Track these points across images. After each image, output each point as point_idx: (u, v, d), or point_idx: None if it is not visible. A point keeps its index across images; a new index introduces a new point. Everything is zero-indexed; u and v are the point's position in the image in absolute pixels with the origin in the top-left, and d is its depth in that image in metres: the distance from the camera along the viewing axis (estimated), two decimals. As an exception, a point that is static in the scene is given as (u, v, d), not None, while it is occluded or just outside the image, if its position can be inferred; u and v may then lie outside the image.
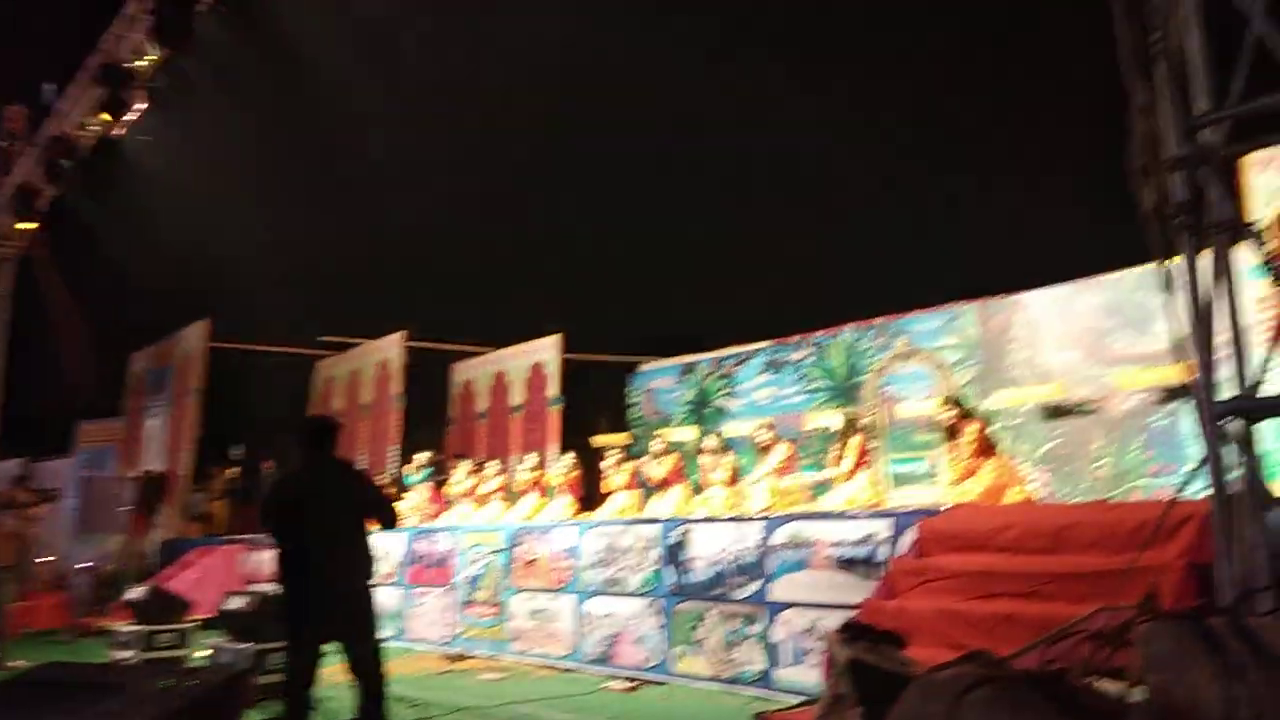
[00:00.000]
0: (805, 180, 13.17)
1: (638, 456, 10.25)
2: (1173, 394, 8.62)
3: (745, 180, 13.60)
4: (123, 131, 13.92)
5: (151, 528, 14.18)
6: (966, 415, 7.43)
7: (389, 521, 5.03)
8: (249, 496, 15.32)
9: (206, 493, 14.99)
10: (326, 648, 4.68)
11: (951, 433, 7.43)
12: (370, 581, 4.84)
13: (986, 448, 7.26)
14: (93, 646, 9.96)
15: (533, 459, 11.07)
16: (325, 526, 4.67)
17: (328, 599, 4.61)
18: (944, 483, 7.77)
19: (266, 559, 11.88)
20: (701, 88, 13.06)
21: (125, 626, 8.52)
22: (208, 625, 8.54)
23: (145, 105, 13.31)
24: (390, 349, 14.24)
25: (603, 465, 10.20)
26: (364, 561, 4.80)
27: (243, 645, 7.02)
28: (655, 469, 9.67)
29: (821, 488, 8.90)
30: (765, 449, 8.98)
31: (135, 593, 8.83)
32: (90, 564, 13.92)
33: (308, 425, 5.03)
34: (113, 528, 14.36)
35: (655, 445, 10.02)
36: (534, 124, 14.02)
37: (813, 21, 12.55)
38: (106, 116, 13.31)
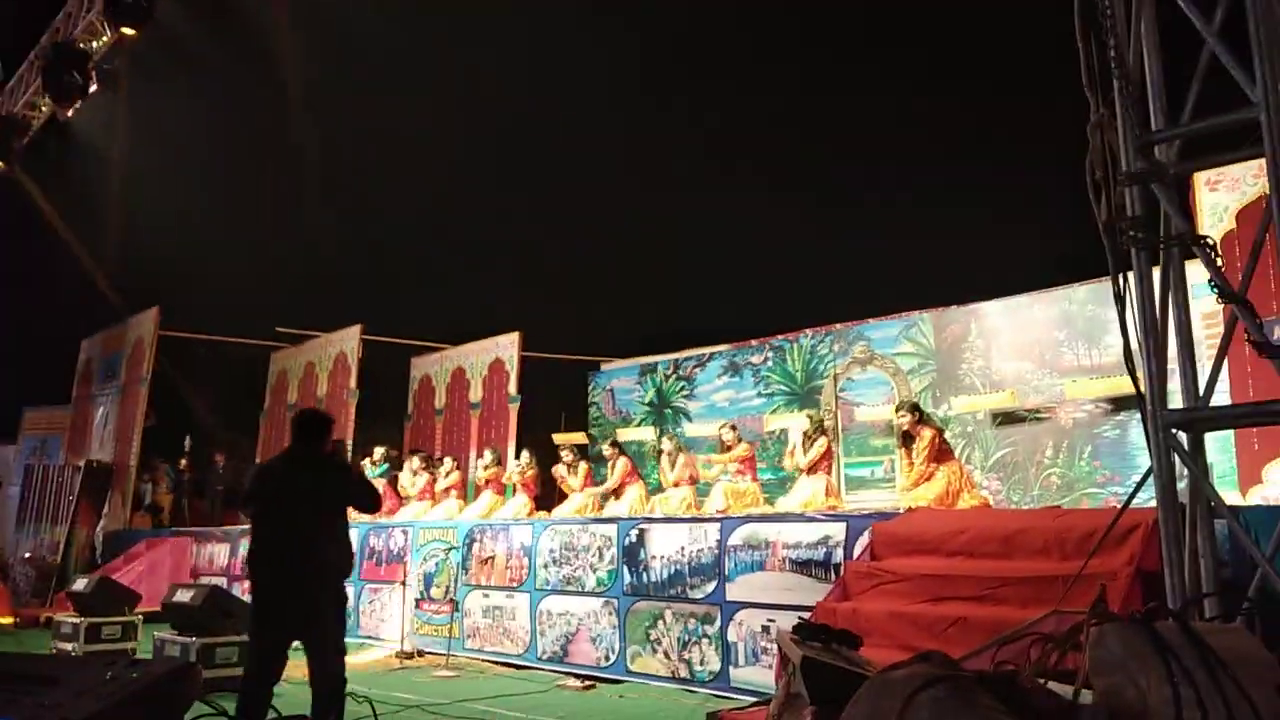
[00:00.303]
0: (767, 186, 13.27)
1: (596, 456, 10.23)
2: (1122, 405, 8.81)
3: (707, 186, 13.65)
4: (73, 113, 13.60)
5: (98, 518, 13.89)
6: (923, 421, 7.53)
7: (370, 506, 4.95)
8: (198, 489, 15.06)
9: (155, 484, 14.71)
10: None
11: (907, 438, 7.52)
12: (344, 579, 4.71)
13: (941, 453, 7.36)
14: (36, 637, 9.72)
15: (490, 456, 11.03)
16: (302, 519, 4.53)
17: (297, 593, 4.48)
18: (898, 487, 7.86)
19: (216, 551, 11.74)
20: (666, 94, 13.12)
21: (69, 618, 8.34)
22: (154, 618, 8.38)
23: (96, 87, 13.00)
24: (347, 342, 14.08)
25: (556, 469, 10.21)
26: (339, 559, 4.67)
27: (188, 638, 6.91)
28: (608, 481, 9.71)
29: (777, 488, 8.97)
30: (728, 448, 9.04)
31: (80, 584, 8.65)
32: (32, 554, 13.59)
33: (298, 417, 4.94)
34: (57, 518, 14.03)
35: (606, 450, 10.01)
36: (497, 122, 13.97)
37: (778, 36, 12.66)
38: (56, 98, 12.98)
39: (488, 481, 10.78)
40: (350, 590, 9.58)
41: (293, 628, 4.50)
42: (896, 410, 7.95)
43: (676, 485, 9.22)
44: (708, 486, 9.30)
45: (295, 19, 12.97)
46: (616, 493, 9.59)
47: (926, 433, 7.37)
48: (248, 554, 4.70)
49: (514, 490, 10.48)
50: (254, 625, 4.59)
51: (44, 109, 13.83)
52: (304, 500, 4.57)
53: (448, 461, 11.43)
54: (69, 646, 8.03)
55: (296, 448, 4.81)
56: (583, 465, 10.10)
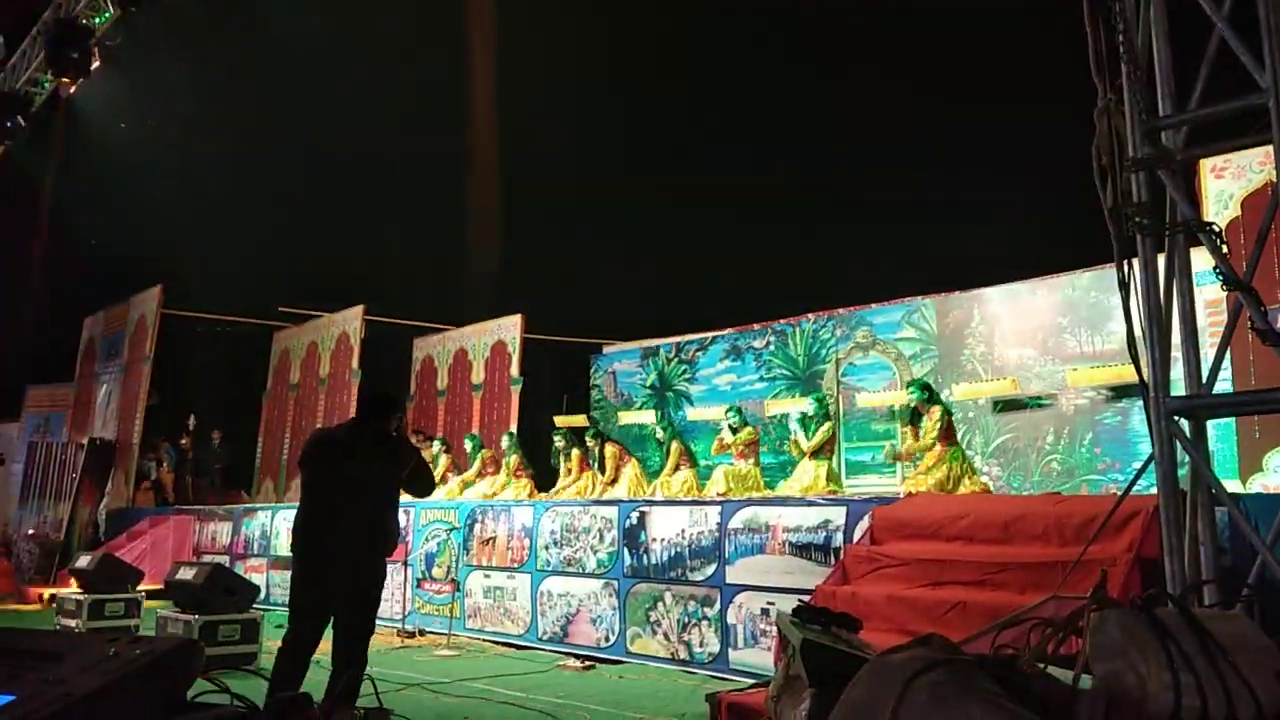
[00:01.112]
0: (770, 170, 13.22)
1: (595, 438, 10.19)
2: (1123, 392, 8.81)
3: (710, 168, 13.60)
4: (76, 89, 13.54)
5: (101, 496, 13.94)
6: (932, 400, 7.46)
7: (422, 490, 4.89)
8: (200, 467, 15.11)
9: (157, 462, 14.76)
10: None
11: (915, 415, 7.47)
12: (386, 558, 4.66)
13: (947, 434, 7.32)
14: (40, 614, 9.78)
15: (470, 444, 11.10)
16: (355, 492, 4.49)
17: (339, 566, 4.43)
18: (901, 467, 7.84)
19: (219, 529, 11.79)
20: (668, 78, 13.06)
21: (73, 594, 8.39)
22: (157, 595, 8.43)
23: (99, 63, 12.94)
24: (350, 322, 14.08)
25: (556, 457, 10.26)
26: (385, 537, 4.63)
27: (191, 616, 6.95)
28: (602, 471, 9.73)
29: (778, 472, 8.97)
30: (734, 432, 9.04)
31: (84, 561, 8.69)
32: (35, 531, 13.66)
33: (364, 393, 4.93)
34: (61, 495, 14.09)
35: (589, 442, 10.00)
36: (499, 103, 13.92)
37: (784, 21, 12.59)
38: (58, 74, 12.92)
39: (490, 462, 10.82)
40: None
41: (330, 600, 4.45)
42: (907, 387, 7.90)
43: (677, 469, 9.25)
44: (709, 470, 9.32)
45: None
46: (614, 481, 9.61)
47: (936, 410, 7.33)
48: (295, 520, 4.65)
49: (514, 471, 10.50)
50: (294, 594, 4.56)
51: (47, 86, 13.78)
52: (359, 473, 4.52)
53: (436, 443, 11.43)
54: (72, 623, 8.09)
55: (360, 421, 4.78)
56: (575, 453, 10.11)
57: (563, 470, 10.14)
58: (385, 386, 5.09)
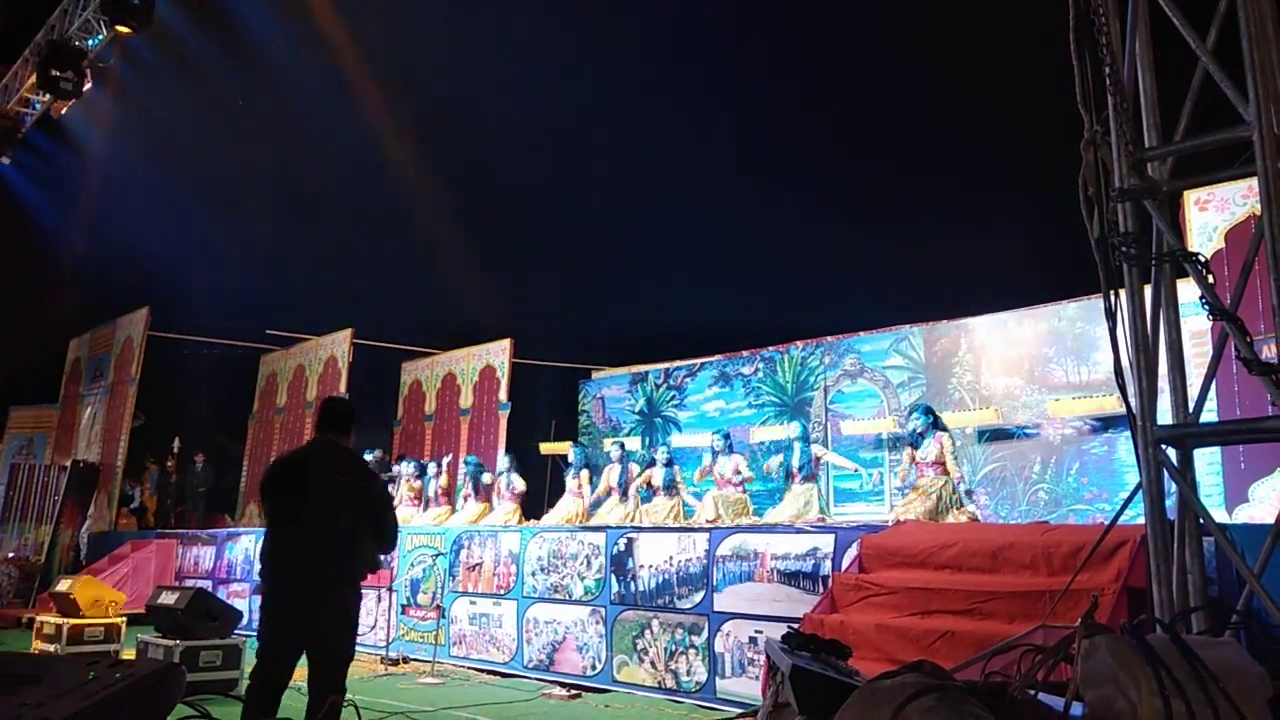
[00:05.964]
0: (760, 199, 13.30)
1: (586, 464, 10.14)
2: (1110, 422, 8.84)
3: (701, 196, 13.68)
4: (66, 110, 13.55)
5: (83, 519, 13.79)
6: (938, 425, 7.40)
7: (386, 542, 4.53)
8: (180, 491, 14.97)
9: (141, 485, 14.62)
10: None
11: (916, 440, 7.41)
12: (360, 582, 4.41)
13: (942, 461, 7.28)
14: (18, 638, 9.64)
15: (433, 468, 11.06)
16: (323, 514, 4.25)
17: (309, 599, 4.21)
18: (890, 492, 7.77)
19: (202, 554, 11.66)
20: (659, 105, 13.15)
21: (52, 618, 8.28)
22: (138, 620, 8.32)
23: (90, 85, 12.94)
24: (338, 345, 14.04)
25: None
26: (359, 566, 4.38)
27: (172, 641, 6.86)
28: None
29: (765, 499, 8.95)
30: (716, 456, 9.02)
31: (64, 584, 8.59)
32: (15, 554, 13.48)
33: (327, 404, 4.66)
34: (42, 517, 13.93)
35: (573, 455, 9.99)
36: (489, 128, 13.97)
37: (767, 47, 12.72)
38: (50, 95, 12.92)
39: (477, 488, 10.74)
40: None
41: (302, 632, 4.25)
42: (910, 411, 7.85)
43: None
44: (697, 497, 9.28)
45: (290, 23, 12.97)
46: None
47: (945, 438, 7.27)
48: (262, 549, 4.41)
49: (501, 497, 10.42)
50: (263, 630, 4.33)
51: (39, 105, 13.79)
52: (328, 494, 4.29)
53: (430, 466, 11.36)
54: (51, 647, 7.97)
55: (322, 438, 4.50)
56: (584, 472, 10.02)
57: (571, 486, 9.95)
58: (340, 397, 4.73)
